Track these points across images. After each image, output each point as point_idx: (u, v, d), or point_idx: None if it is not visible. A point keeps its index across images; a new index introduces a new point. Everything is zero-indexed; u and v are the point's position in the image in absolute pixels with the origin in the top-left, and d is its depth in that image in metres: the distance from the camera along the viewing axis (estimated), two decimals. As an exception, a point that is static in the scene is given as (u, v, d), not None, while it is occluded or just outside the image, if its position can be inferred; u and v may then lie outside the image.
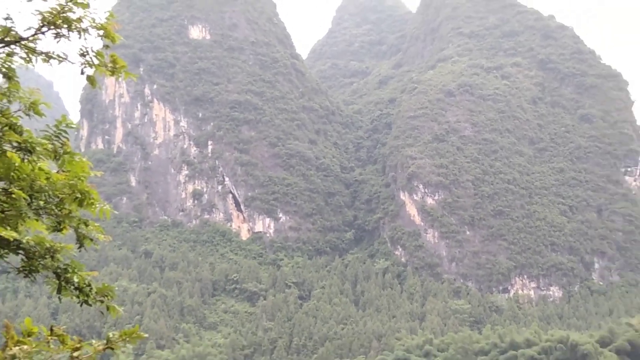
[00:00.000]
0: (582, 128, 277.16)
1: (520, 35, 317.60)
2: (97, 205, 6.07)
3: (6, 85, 5.50)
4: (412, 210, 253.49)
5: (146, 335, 6.02)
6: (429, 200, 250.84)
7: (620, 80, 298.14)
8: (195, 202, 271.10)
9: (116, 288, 6.69)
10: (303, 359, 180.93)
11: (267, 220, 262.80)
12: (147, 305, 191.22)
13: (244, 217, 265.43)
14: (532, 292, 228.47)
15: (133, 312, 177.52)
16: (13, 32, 5.31)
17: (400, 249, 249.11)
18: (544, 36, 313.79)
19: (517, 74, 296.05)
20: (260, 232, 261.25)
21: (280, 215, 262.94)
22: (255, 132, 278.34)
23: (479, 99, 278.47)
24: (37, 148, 5.60)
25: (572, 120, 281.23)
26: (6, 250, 5.77)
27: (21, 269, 5.97)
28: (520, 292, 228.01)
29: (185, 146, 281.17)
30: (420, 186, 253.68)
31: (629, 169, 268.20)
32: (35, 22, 5.42)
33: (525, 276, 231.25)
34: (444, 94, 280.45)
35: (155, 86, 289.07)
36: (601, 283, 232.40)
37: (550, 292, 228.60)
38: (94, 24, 5.61)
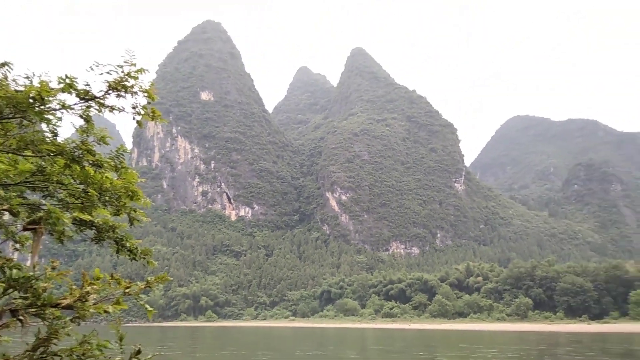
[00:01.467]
0: (431, 156, 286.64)
1: (396, 101, 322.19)
2: (142, 200, 5.74)
3: (86, 126, 5.26)
4: (333, 203, 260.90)
5: (171, 278, 5.77)
6: (343, 197, 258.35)
7: (452, 127, 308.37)
8: (203, 197, 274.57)
9: (153, 250, 6.42)
10: (268, 292, 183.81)
11: (247, 209, 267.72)
12: (172, 260, 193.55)
13: (233, 207, 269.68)
14: (402, 251, 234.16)
15: (163, 265, 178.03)
16: (90, 93, 5.09)
17: (326, 226, 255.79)
18: (409, 102, 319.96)
19: (394, 124, 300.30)
20: (243, 216, 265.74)
21: (255, 206, 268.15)
22: (240, 156, 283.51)
23: (372, 138, 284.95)
24: (104, 164, 5.43)
25: (425, 151, 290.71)
26: (85, 227, 5.68)
27: (94, 238, 5.82)
28: (395, 251, 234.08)
29: (197, 164, 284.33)
30: (338, 189, 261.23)
31: (457, 179, 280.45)
32: (104, 87, 5.11)
33: (398, 241, 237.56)
34: (352, 134, 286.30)
35: (179, 127, 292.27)
36: (441, 245, 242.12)
37: (412, 251, 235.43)
38: (141, 89, 5.25)
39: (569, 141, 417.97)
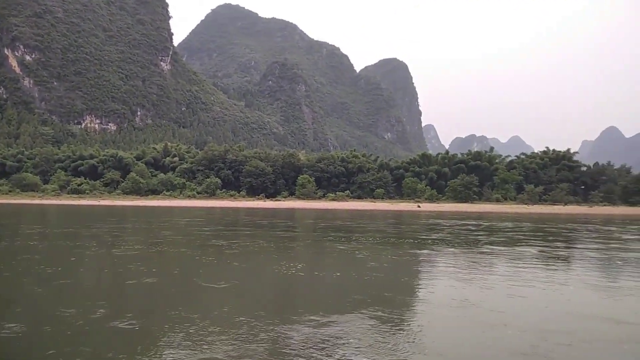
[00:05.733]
0: (138, 28, 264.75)
1: None
2: None
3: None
4: (13, 63, 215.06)
5: None
6: (27, 58, 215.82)
7: (163, 1, 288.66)
8: None
9: None
10: None
11: None
12: None
13: None
14: (97, 126, 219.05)
15: None
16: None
17: (3, 89, 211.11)
18: None
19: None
20: None
21: None
22: None
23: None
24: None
25: (132, 21, 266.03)
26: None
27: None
28: (89, 125, 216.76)
29: None
30: (21, 47, 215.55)
31: (163, 58, 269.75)
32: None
33: (93, 116, 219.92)
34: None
35: None
36: (141, 124, 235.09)
37: (109, 127, 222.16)
38: None
39: (271, 39, 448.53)
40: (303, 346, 6.72)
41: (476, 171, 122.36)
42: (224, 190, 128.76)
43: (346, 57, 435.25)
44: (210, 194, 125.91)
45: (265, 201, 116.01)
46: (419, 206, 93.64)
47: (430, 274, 13.19)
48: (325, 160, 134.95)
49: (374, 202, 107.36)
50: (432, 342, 7.01)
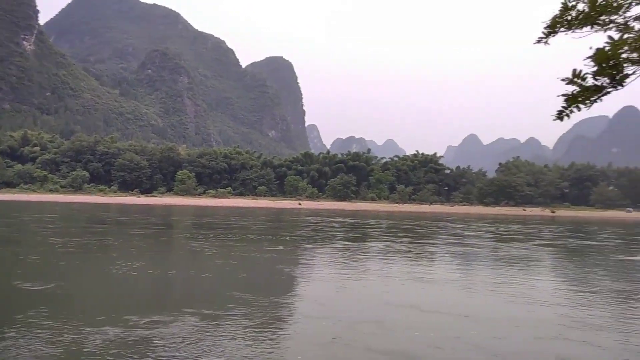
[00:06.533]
0: None
1: None
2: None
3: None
4: None
5: None
6: None
7: None
8: None
9: None
10: None
11: None
12: None
13: None
14: None
15: None
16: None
17: None
18: None
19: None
20: None
21: None
22: None
23: None
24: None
25: None
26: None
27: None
28: None
29: None
30: None
31: (27, 37, 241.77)
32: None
33: None
34: None
35: None
36: None
37: None
38: None
39: (152, 25, 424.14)
40: (110, 347, 6.37)
41: (354, 171, 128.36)
42: (92, 184, 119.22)
43: (232, 51, 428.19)
44: (77, 188, 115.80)
45: (139, 197, 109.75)
46: (300, 204, 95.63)
47: (271, 271, 13.22)
48: (207, 156, 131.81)
49: (256, 200, 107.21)
50: (255, 335, 7.07)
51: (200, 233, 23.69)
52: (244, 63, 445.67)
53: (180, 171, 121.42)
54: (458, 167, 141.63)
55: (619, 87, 2.99)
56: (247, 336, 7.13)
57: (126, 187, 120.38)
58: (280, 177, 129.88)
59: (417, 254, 17.91)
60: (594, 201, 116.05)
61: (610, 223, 56.47)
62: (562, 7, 3.06)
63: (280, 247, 18.38)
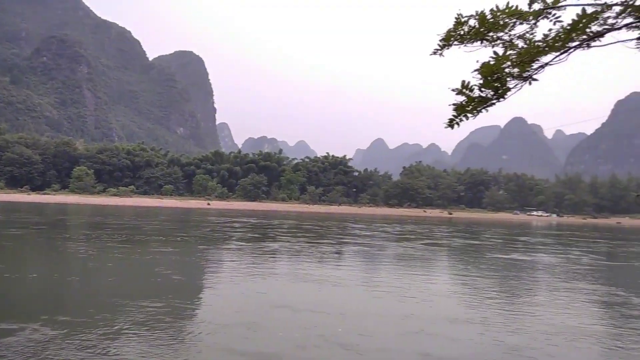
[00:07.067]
0: None
1: None
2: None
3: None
4: None
5: None
6: None
7: None
8: None
9: None
10: None
11: None
12: None
13: None
14: None
15: None
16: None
17: None
18: None
19: None
20: None
21: None
22: None
23: None
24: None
25: None
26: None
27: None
28: None
29: None
30: None
31: None
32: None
33: None
34: None
35: None
36: None
37: None
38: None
39: (49, 10, 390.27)
40: None
41: (266, 171, 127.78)
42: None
43: (138, 42, 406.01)
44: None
45: (29, 194, 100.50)
46: (208, 204, 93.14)
47: (147, 274, 12.40)
48: (108, 152, 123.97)
49: (162, 199, 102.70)
50: (109, 343, 6.55)
51: (84, 234, 22.06)
52: (151, 55, 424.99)
53: (77, 167, 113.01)
54: (366, 170, 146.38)
55: (502, 99, 3.22)
56: (97, 347, 6.60)
57: (15, 183, 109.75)
58: (188, 176, 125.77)
59: (308, 254, 18.08)
60: (486, 204, 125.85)
61: (498, 224, 61.55)
62: (455, 22, 3.22)
63: (169, 249, 17.61)
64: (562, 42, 2.95)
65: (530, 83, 3.13)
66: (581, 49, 3.02)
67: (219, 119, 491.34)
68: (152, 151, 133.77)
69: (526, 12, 3.05)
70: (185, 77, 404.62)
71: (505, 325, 8.60)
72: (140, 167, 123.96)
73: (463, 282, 13.64)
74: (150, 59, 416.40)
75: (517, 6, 3.05)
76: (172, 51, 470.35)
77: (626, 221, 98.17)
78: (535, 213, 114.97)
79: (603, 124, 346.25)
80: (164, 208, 68.30)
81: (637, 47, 2.90)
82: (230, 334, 7.44)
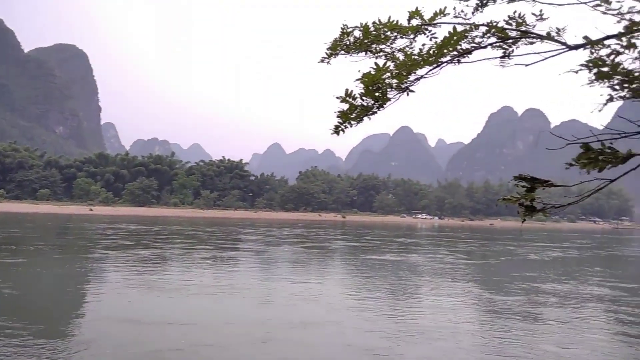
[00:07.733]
0: None
1: None
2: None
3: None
4: None
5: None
6: None
7: None
8: None
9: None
10: None
11: None
12: None
13: None
14: None
15: None
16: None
17: None
18: None
19: None
20: None
21: None
22: None
23: None
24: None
25: None
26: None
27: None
28: None
29: None
30: None
31: None
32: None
33: None
34: None
35: None
36: None
37: None
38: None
39: None
40: None
41: (156, 175, 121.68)
42: None
43: (12, 32, 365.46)
44: None
45: None
46: (91, 209, 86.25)
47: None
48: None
49: (37, 204, 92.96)
50: None
51: None
52: (27, 47, 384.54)
53: None
54: (262, 174, 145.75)
55: (382, 109, 3.36)
56: None
57: None
58: (68, 180, 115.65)
59: (178, 261, 17.26)
60: (376, 207, 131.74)
61: (387, 227, 64.49)
62: (341, 32, 3.35)
63: (20, 259, 15.75)
64: (435, 57, 3.17)
65: (407, 94, 3.32)
66: (452, 64, 3.25)
67: (105, 118, 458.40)
68: (26, 152, 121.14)
69: (405, 27, 3.24)
70: (66, 72, 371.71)
71: (357, 327, 8.76)
72: (11, 169, 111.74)
73: (331, 284, 13.84)
74: (26, 50, 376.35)
75: (397, 21, 3.23)
76: (51, 44, 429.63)
77: (498, 222, 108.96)
78: (420, 216, 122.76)
79: (478, 135, 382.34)
80: (37, 214, 61.82)
81: (501, 65, 3.16)
82: (61, 351, 6.65)
